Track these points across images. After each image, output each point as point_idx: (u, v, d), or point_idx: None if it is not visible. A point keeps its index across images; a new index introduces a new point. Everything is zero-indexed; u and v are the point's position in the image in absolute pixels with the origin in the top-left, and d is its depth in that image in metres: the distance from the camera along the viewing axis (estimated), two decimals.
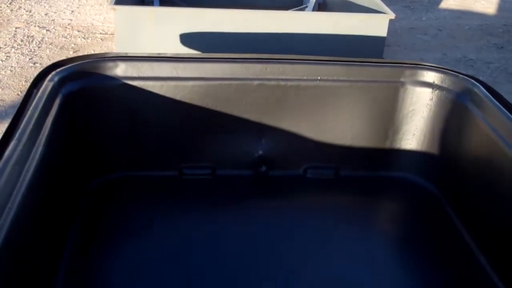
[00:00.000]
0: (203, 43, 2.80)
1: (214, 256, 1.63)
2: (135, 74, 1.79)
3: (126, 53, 1.83)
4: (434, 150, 1.91)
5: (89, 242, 1.64)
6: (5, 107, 2.91)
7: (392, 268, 1.65)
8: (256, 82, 1.83)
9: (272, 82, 1.84)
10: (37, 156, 1.40)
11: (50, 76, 1.64)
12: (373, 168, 1.99)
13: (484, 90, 1.72)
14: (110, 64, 1.77)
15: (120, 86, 1.78)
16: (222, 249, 1.65)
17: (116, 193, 1.86)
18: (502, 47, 4.21)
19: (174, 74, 1.80)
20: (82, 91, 1.74)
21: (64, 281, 1.48)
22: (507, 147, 1.55)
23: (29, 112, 1.45)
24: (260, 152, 1.94)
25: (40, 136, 1.45)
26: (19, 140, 1.34)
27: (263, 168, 1.96)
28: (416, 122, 1.91)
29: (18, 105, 1.50)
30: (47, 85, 1.59)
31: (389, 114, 1.91)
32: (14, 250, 1.19)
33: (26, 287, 1.28)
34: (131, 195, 1.87)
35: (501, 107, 1.63)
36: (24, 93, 1.58)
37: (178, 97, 1.82)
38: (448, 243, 1.73)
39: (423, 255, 1.69)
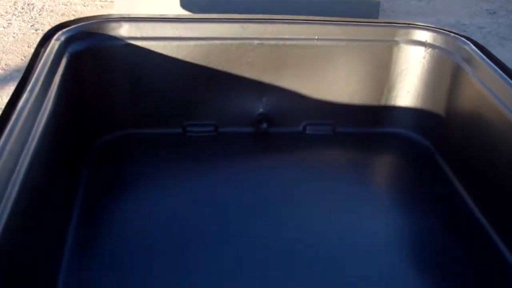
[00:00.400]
0: (202, 8, 2.86)
1: (215, 208, 1.70)
2: (138, 35, 1.85)
3: (129, 14, 1.90)
4: (428, 106, 1.99)
5: (98, 191, 1.72)
6: (9, 71, 2.98)
7: (389, 217, 1.74)
8: (256, 42, 1.90)
9: (272, 42, 1.91)
10: (48, 108, 1.47)
11: (56, 36, 1.71)
12: (369, 124, 2.07)
13: (475, 48, 1.79)
14: (114, 24, 1.84)
15: (124, 46, 1.85)
16: (224, 201, 1.73)
17: (121, 150, 1.94)
18: (494, 12, 4.28)
19: (176, 35, 1.87)
20: (88, 51, 1.81)
21: (76, 226, 1.57)
22: (498, 102, 1.63)
23: (38, 68, 1.52)
24: (261, 110, 2.03)
25: (50, 90, 1.53)
26: (31, 92, 1.41)
27: (264, 125, 2.04)
28: (410, 79, 2.00)
29: (23, 68, 1.57)
30: (54, 44, 1.66)
31: (384, 73, 2.00)
32: (31, 192, 1.27)
33: (43, 226, 1.37)
34: (136, 151, 1.95)
35: (492, 64, 1.72)
36: (28, 56, 1.65)
37: (180, 56, 1.89)
38: (441, 192, 1.82)
39: (417, 203, 1.78)
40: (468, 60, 1.80)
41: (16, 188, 1.19)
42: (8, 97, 1.40)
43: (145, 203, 1.72)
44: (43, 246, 1.34)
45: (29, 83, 1.46)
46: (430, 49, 1.92)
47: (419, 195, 1.81)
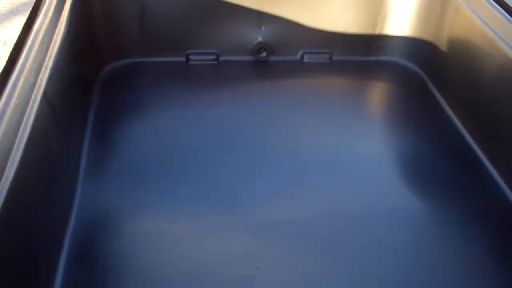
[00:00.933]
0: None
1: (217, 129, 1.80)
2: None
3: None
4: (420, 34, 2.08)
5: (106, 118, 1.83)
6: (16, 5, 3.04)
7: (382, 138, 1.84)
8: None
9: None
10: (62, 31, 1.57)
11: None
12: (365, 53, 2.16)
13: None
14: None
15: None
16: (225, 123, 1.83)
17: (128, 77, 2.04)
18: None
19: None
20: None
21: (89, 149, 1.69)
22: (487, 28, 1.71)
23: None
24: (260, 39, 2.11)
25: (62, 15, 1.62)
26: (45, 15, 1.51)
27: (263, 54, 2.13)
28: (404, 9, 2.07)
29: (29, 3, 1.64)
30: None
31: (378, 2, 2.07)
32: (49, 106, 1.38)
33: (60, 145, 1.49)
34: (142, 78, 2.05)
35: None
36: None
37: None
38: (432, 116, 1.92)
39: (408, 126, 1.87)
40: None
41: (36, 104, 1.29)
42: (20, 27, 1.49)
43: (151, 126, 1.82)
44: (60, 165, 1.46)
45: (42, 7, 1.55)
46: None
47: (410, 119, 1.91)
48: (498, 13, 1.69)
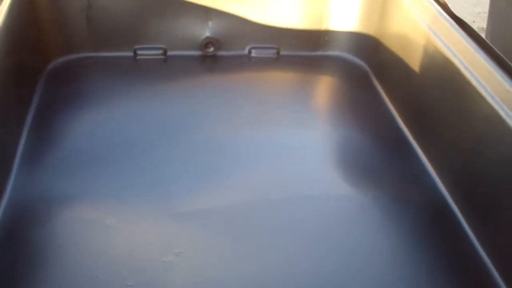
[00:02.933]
0: None
1: (161, 123, 1.82)
2: None
3: None
4: (364, 30, 2.12)
5: (49, 110, 1.84)
6: None
7: (320, 131, 1.87)
8: None
9: None
10: None
11: None
12: (311, 48, 2.19)
13: None
14: None
15: None
16: (167, 117, 1.84)
17: (75, 72, 2.06)
18: None
19: None
20: None
21: (26, 141, 1.71)
22: (423, 24, 1.74)
23: None
24: (208, 33, 2.13)
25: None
26: None
27: (211, 49, 2.16)
28: (348, 5, 2.11)
29: None
30: None
31: None
32: None
33: None
34: (89, 73, 2.07)
35: None
36: None
37: None
38: (371, 108, 1.95)
39: (350, 120, 1.90)
40: None
41: None
42: None
43: (93, 118, 1.83)
44: None
45: None
46: None
47: (350, 111, 1.94)
48: (434, 9, 1.73)
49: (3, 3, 1.70)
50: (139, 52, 2.13)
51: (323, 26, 2.16)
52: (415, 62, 1.81)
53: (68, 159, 1.65)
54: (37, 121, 1.79)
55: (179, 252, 1.34)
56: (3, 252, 1.35)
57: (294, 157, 1.69)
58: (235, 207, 1.49)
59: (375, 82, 2.06)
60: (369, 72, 2.11)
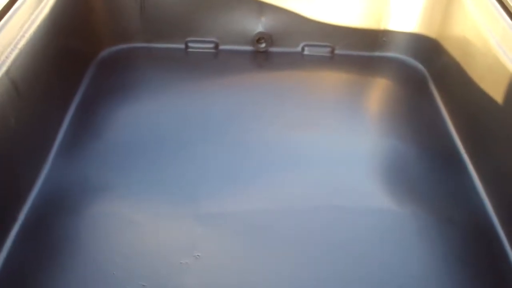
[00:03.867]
0: None
1: (203, 118, 1.79)
2: None
3: None
4: (425, 32, 1.99)
5: (94, 99, 1.85)
6: None
7: (369, 138, 1.76)
8: None
9: None
10: (46, 11, 1.60)
11: None
12: (368, 48, 2.09)
13: None
14: None
15: None
16: (213, 113, 1.81)
17: (125, 61, 2.05)
18: None
19: None
20: None
21: (68, 126, 1.72)
22: (487, 32, 1.61)
23: None
24: (260, 29, 2.08)
25: None
26: None
27: (263, 45, 2.10)
28: (409, 5, 1.99)
29: None
30: None
31: None
32: (12, 82, 1.41)
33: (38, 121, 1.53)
34: (139, 63, 2.06)
35: None
36: None
37: None
38: (426, 117, 1.84)
39: (399, 127, 1.79)
40: None
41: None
42: None
43: (138, 110, 1.82)
44: (25, 141, 1.49)
45: None
46: None
47: (404, 118, 1.83)
48: (500, 17, 1.59)
49: None
50: (190, 44, 2.10)
51: (382, 26, 2.05)
52: (475, 70, 1.68)
53: (106, 151, 1.65)
54: (81, 109, 1.80)
55: (198, 256, 1.30)
56: (28, 238, 1.36)
57: (334, 165, 1.61)
58: (262, 213, 1.44)
59: (433, 88, 1.94)
60: (427, 77, 1.99)
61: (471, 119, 1.69)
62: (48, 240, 1.36)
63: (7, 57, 1.39)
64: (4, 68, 1.37)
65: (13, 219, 1.38)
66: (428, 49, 1.99)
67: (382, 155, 1.69)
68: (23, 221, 1.40)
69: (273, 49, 2.11)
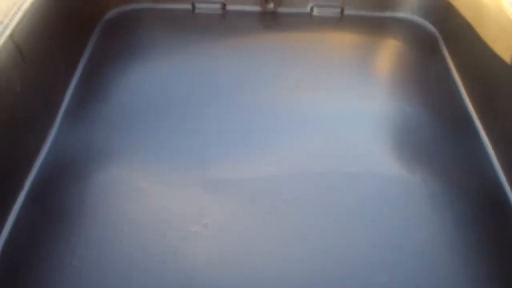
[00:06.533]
0: None
1: (211, 80, 1.76)
2: None
3: None
4: None
5: (100, 61, 1.83)
6: None
7: (378, 101, 1.73)
8: None
9: None
10: None
11: None
12: (377, 8, 2.05)
13: None
14: None
15: None
16: (221, 75, 1.78)
17: (133, 22, 2.02)
18: None
19: None
20: None
21: (75, 88, 1.70)
22: None
23: None
24: None
25: None
26: None
27: (271, 5, 2.06)
28: None
29: None
30: None
31: None
32: (17, 46, 1.39)
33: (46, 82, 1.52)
34: (147, 24, 2.03)
35: None
36: None
37: None
38: (437, 79, 1.81)
39: (410, 89, 1.77)
40: None
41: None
42: None
43: (145, 72, 1.80)
44: (30, 106, 1.47)
45: None
46: None
47: (415, 81, 1.80)
48: None
49: None
50: (197, 5, 2.06)
51: None
52: (486, 32, 1.64)
53: (112, 114, 1.63)
54: (87, 71, 1.78)
55: (206, 223, 1.30)
56: (34, 203, 1.36)
57: (341, 129, 1.59)
58: (270, 178, 1.43)
59: (444, 49, 1.90)
60: (439, 38, 1.95)
61: (483, 81, 1.66)
62: (55, 206, 1.36)
63: (10, 20, 1.37)
64: (8, 32, 1.35)
65: (20, 186, 1.38)
66: (440, 10, 1.94)
67: (390, 118, 1.67)
68: (30, 187, 1.40)
69: (281, 9, 2.07)
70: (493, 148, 1.53)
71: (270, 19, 2.06)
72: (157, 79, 1.78)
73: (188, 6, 2.07)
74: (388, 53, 1.99)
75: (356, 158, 1.51)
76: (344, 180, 1.44)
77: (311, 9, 2.06)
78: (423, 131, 1.61)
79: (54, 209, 1.35)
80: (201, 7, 2.07)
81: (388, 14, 2.04)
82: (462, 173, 1.47)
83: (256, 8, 2.07)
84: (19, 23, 1.39)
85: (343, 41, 2.01)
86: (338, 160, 1.49)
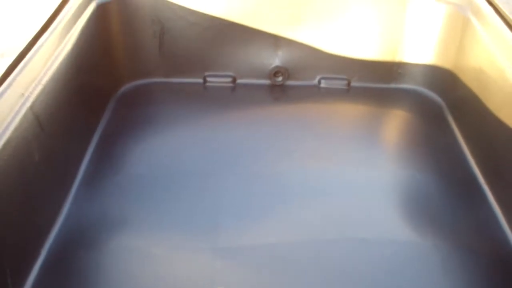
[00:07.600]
0: None
1: (227, 151, 1.80)
2: None
3: None
4: (441, 63, 2.01)
5: (114, 134, 1.88)
6: None
7: (388, 169, 1.77)
8: None
9: None
10: (68, 48, 1.63)
11: None
12: (384, 80, 2.11)
13: (485, 2, 1.78)
14: None
15: None
16: (233, 147, 1.83)
17: (145, 96, 2.08)
18: None
19: None
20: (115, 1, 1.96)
21: (89, 162, 1.74)
22: (504, 62, 1.61)
23: (63, 11, 1.69)
24: (277, 63, 2.11)
25: (72, 32, 1.68)
26: (53, 31, 1.58)
27: (280, 78, 2.13)
28: (424, 37, 2.01)
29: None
30: None
31: (398, 29, 2.02)
32: (36, 117, 1.44)
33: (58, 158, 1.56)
34: (158, 99, 2.09)
35: (501, 20, 1.70)
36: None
37: (201, 9, 2.01)
38: (444, 148, 1.84)
39: (417, 158, 1.79)
40: (478, 15, 1.79)
41: (20, 115, 1.34)
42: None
43: (159, 143, 1.84)
44: (47, 175, 1.51)
45: (53, 23, 1.63)
46: (443, 4, 1.92)
47: (422, 149, 1.83)
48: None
49: (76, 26, 1.75)
50: (208, 79, 2.14)
51: (397, 58, 2.07)
52: (491, 100, 1.69)
53: (126, 184, 1.67)
54: (102, 144, 1.83)
55: None
56: (51, 273, 1.37)
57: (353, 197, 1.62)
58: (281, 246, 1.44)
59: (450, 119, 1.94)
60: (444, 108, 2.00)
61: (489, 149, 1.69)
62: (70, 275, 1.37)
63: (31, 93, 1.43)
64: (28, 104, 1.40)
65: (37, 254, 1.40)
66: (444, 80, 2.00)
67: (401, 186, 1.69)
68: (46, 255, 1.41)
69: (290, 82, 2.13)
70: (502, 212, 1.54)
71: (279, 92, 2.12)
72: (169, 150, 1.82)
73: (199, 80, 2.14)
74: (395, 123, 2.04)
75: (367, 225, 1.52)
76: (357, 247, 1.44)
77: (319, 82, 2.13)
78: (433, 198, 1.63)
79: (69, 278, 1.35)
80: (212, 80, 2.14)
81: (393, 85, 2.11)
82: (472, 236, 1.48)
83: (266, 81, 2.14)
84: (39, 95, 1.45)
85: (351, 112, 2.06)
86: (350, 228, 1.51)
